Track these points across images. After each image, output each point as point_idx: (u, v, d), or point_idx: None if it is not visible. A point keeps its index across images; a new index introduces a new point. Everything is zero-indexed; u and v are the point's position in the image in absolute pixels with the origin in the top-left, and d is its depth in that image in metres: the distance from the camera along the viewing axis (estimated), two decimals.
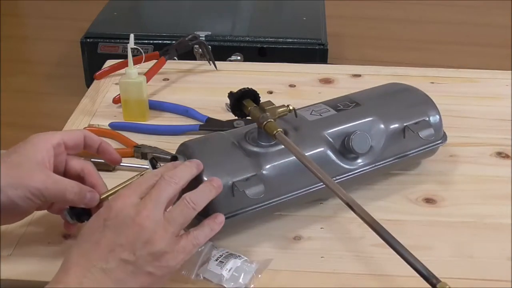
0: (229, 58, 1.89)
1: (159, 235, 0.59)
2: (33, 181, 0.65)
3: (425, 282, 0.58)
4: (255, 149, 0.74)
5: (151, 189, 0.62)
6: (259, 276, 0.68)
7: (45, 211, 0.73)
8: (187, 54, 1.19)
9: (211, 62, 1.14)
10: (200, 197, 0.64)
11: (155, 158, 0.72)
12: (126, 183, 0.73)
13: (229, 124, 0.95)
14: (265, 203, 0.73)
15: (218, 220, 0.66)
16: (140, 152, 0.89)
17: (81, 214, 0.71)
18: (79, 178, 0.72)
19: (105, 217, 0.60)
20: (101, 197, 0.71)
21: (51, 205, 0.72)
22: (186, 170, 0.67)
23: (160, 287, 0.61)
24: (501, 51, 2.41)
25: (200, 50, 1.20)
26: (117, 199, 0.61)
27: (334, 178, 0.75)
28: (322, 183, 0.70)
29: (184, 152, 0.73)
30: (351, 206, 0.65)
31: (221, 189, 0.67)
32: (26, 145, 0.69)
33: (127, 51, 0.95)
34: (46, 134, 0.70)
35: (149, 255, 0.59)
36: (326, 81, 1.11)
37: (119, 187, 0.73)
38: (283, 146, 0.73)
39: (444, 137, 0.86)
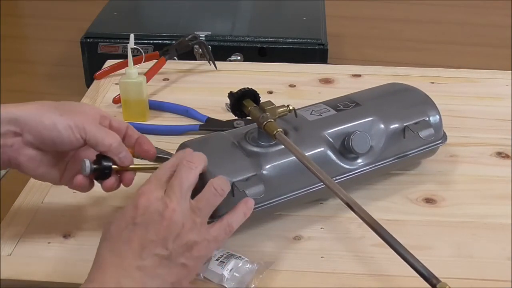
0: (229, 58, 1.89)
1: (187, 227, 0.60)
2: (81, 118, 0.66)
3: (425, 282, 0.58)
4: (255, 149, 0.74)
5: (171, 179, 0.63)
6: (260, 276, 0.68)
7: (45, 211, 0.73)
8: (187, 54, 1.19)
9: (211, 62, 1.14)
10: (225, 183, 0.66)
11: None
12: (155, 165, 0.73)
13: (229, 124, 0.95)
14: (265, 203, 0.73)
15: (249, 205, 0.67)
16: None
17: (103, 169, 0.69)
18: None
19: (133, 215, 0.60)
20: (130, 166, 0.70)
21: (72, 164, 0.71)
22: (201, 155, 0.67)
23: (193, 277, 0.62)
24: (501, 51, 2.41)
25: (200, 50, 1.20)
26: (141, 197, 0.61)
27: (334, 178, 0.75)
28: (322, 183, 0.70)
29: None
30: (351, 206, 0.65)
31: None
32: (74, 105, 0.70)
33: (127, 51, 0.95)
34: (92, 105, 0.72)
35: (181, 247, 0.60)
36: (326, 81, 1.11)
37: (150, 166, 0.72)
38: (283, 146, 0.73)
39: (444, 137, 0.86)
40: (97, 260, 0.60)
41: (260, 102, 0.77)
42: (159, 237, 0.59)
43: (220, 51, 1.82)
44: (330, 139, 0.77)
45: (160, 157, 0.87)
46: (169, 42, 1.75)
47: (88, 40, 1.98)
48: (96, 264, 0.59)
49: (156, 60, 1.11)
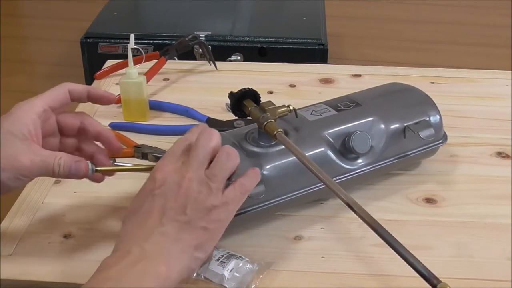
0: (229, 58, 1.88)
1: (205, 193, 0.61)
2: (22, 162, 0.64)
3: (425, 282, 0.58)
4: (256, 149, 0.74)
5: (188, 152, 0.64)
6: (260, 276, 0.68)
7: (45, 211, 0.73)
8: (187, 54, 1.19)
9: (211, 62, 1.14)
10: (236, 152, 0.66)
11: None
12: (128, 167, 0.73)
13: (229, 124, 0.95)
14: (266, 203, 0.73)
15: (257, 171, 0.68)
16: (140, 152, 0.89)
17: None
18: (80, 131, 0.71)
19: (151, 188, 0.62)
20: (97, 169, 0.69)
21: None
22: (215, 131, 0.67)
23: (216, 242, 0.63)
24: (501, 51, 2.41)
25: (200, 50, 1.20)
26: (157, 171, 0.63)
27: (335, 178, 0.75)
28: (322, 183, 0.70)
29: None
30: (352, 206, 0.64)
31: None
32: (9, 119, 0.66)
33: (127, 51, 0.95)
34: (29, 103, 0.69)
35: (200, 212, 0.60)
36: (326, 81, 1.11)
37: (148, 165, 0.72)
38: (283, 147, 0.73)
39: (444, 137, 0.86)
40: (121, 235, 0.61)
41: (261, 102, 0.77)
42: (177, 204, 0.60)
43: (220, 51, 1.82)
44: (331, 139, 0.77)
45: (160, 157, 0.87)
46: (169, 42, 1.74)
47: (88, 40, 1.98)
48: (120, 238, 0.61)
49: (156, 60, 1.11)
